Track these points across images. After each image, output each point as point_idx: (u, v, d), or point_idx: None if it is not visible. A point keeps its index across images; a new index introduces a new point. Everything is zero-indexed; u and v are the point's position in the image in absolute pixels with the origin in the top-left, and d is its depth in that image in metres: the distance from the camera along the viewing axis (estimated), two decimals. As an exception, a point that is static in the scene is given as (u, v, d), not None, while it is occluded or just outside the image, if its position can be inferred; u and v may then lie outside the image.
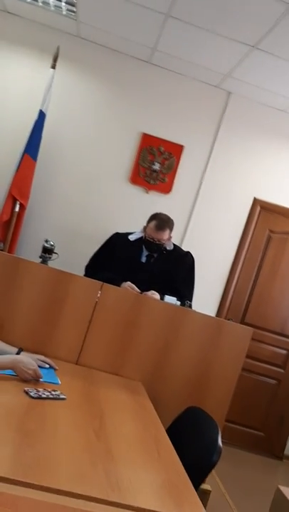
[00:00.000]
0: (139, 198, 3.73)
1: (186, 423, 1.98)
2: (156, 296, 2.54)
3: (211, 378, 2.37)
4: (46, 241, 2.59)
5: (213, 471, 2.20)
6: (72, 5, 3.17)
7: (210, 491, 2.33)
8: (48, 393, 1.73)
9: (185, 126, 3.73)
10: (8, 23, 3.56)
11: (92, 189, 3.70)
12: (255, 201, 3.83)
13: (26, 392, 1.68)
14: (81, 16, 3.28)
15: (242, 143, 3.78)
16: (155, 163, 3.71)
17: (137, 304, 2.34)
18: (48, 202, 3.66)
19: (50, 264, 2.59)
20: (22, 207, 3.38)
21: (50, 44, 3.44)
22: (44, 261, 2.58)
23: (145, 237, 2.80)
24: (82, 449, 1.42)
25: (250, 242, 3.85)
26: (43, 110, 3.37)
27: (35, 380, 1.79)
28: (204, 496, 2.18)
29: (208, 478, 1.89)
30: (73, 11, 3.25)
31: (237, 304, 3.88)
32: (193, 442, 1.84)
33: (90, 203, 3.70)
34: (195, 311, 2.47)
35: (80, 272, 2.64)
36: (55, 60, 3.38)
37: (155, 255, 2.84)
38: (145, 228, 2.83)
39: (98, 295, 2.29)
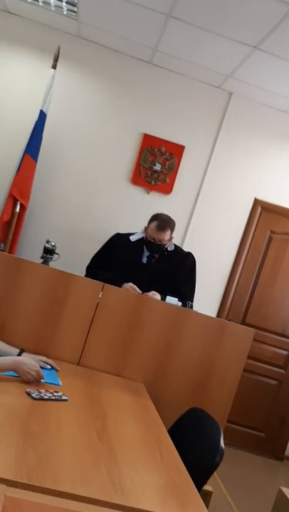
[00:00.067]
0: (140, 198, 3.72)
1: (188, 424, 1.97)
2: (157, 296, 2.54)
3: (213, 379, 2.37)
4: (47, 241, 2.58)
5: (214, 472, 2.20)
6: (73, 5, 3.17)
7: (212, 492, 2.33)
8: (50, 394, 1.72)
9: (186, 127, 3.73)
10: (9, 22, 3.56)
11: (93, 190, 3.70)
12: (256, 202, 3.83)
13: (28, 394, 1.67)
14: (82, 16, 3.27)
15: (243, 143, 3.78)
16: (156, 164, 3.70)
17: (139, 305, 2.34)
18: (48, 202, 3.65)
19: (51, 264, 2.59)
20: (23, 207, 3.37)
21: (51, 44, 3.43)
22: (45, 261, 2.57)
23: (146, 237, 2.80)
24: (84, 451, 1.41)
25: (250, 243, 3.84)
26: (44, 110, 3.36)
27: (36, 381, 1.79)
28: (206, 497, 2.18)
29: (210, 479, 1.89)
30: (74, 11, 3.25)
31: (238, 304, 3.87)
32: (195, 444, 1.83)
33: (90, 204, 3.69)
34: (197, 312, 2.47)
35: (81, 272, 2.63)
36: (55, 60, 3.37)
37: (156, 256, 2.83)
38: (146, 229, 2.82)
39: (100, 296, 2.29)
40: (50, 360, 2.06)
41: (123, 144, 3.70)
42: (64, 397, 1.74)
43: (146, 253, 2.83)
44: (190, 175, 3.76)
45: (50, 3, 3.25)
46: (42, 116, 3.36)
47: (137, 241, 2.85)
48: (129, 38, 3.38)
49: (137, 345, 2.32)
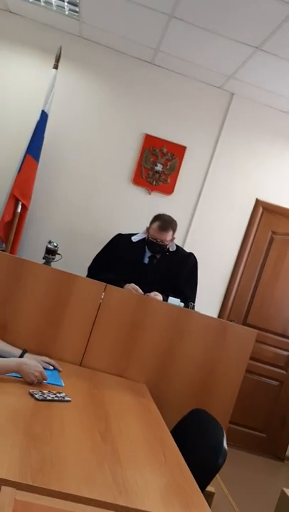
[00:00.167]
0: (142, 199, 3.72)
1: (190, 425, 1.97)
2: (159, 297, 2.54)
3: (215, 380, 2.36)
4: (50, 242, 2.58)
5: (216, 473, 2.20)
6: (75, 5, 3.17)
7: (214, 493, 2.33)
8: (53, 395, 1.72)
9: (188, 127, 3.73)
10: (10, 22, 3.55)
11: (95, 190, 3.69)
12: (258, 202, 3.83)
13: (31, 395, 1.67)
14: (84, 16, 3.27)
15: (244, 144, 3.78)
16: (158, 164, 3.70)
17: (141, 306, 2.33)
18: (49, 203, 3.65)
19: (53, 265, 2.59)
20: (24, 207, 3.37)
21: (53, 44, 3.43)
22: (47, 262, 2.57)
23: (148, 237, 2.80)
24: (88, 452, 1.41)
25: (252, 244, 3.84)
26: (45, 111, 3.36)
27: (39, 382, 1.79)
28: (208, 498, 2.17)
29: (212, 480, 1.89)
30: (76, 11, 3.24)
31: (239, 305, 3.87)
32: (198, 445, 1.83)
33: (91, 204, 3.69)
34: (199, 313, 2.47)
35: (82, 272, 2.62)
36: (57, 60, 3.37)
37: (158, 256, 2.83)
38: (148, 229, 2.82)
39: (102, 296, 2.28)
40: (52, 361, 2.06)
41: (124, 144, 3.69)
42: (67, 398, 1.74)
43: (147, 253, 2.83)
44: (191, 175, 3.76)
45: (51, 3, 3.24)
46: (43, 116, 3.35)
47: (138, 241, 2.86)
48: (131, 38, 3.37)
49: (139, 346, 2.32)
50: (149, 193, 3.74)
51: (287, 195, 3.86)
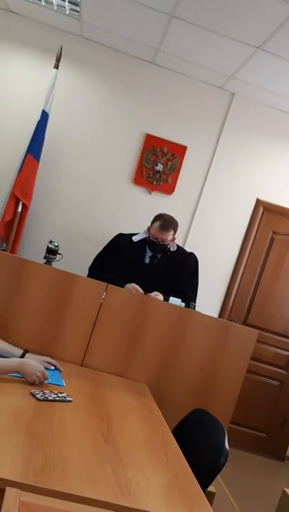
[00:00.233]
0: (142, 198, 3.72)
1: (192, 425, 1.97)
2: (160, 297, 2.54)
3: (217, 380, 2.36)
4: (50, 242, 2.58)
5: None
6: (76, 4, 3.16)
7: (214, 493, 2.33)
8: (55, 395, 1.72)
9: (188, 127, 3.73)
10: (11, 22, 3.55)
11: (95, 190, 3.69)
12: (258, 202, 3.83)
13: (33, 395, 1.67)
14: (84, 16, 3.26)
15: (245, 144, 3.78)
16: (158, 164, 3.70)
17: (142, 306, 2.33)
18: (50, 202, 3.64)
19: (54, 264, 2.58)
20: (24, 207, 3.36)
21: (53, 44, 3.43)
22: (48, 262, 2.57)
23: (149, 237, 2.79)
24: (90, 452, 1.41)
25: (252, 244, 3.84)
26: (46, 110, 3.35)
27: (41, 382, 1.78)
28: (209, 498, 2.17)
29: (212, 480, 1.89)
30: (77, 11, 3.24)
31: (240, 305, 3.87)
32: (199, 445, 1.83)
33: (92, 204, 3.69)
34: (200, 313, 2.47)
35: (82, 272, 2.62)
36: (58, 60, 3.36)
37: (159, 256, 2.83)
38: (149, 229, 2.82)
39: (103, 296, 2.28)
40: (53, 361, 2.06)
41: (125, 144, 3.69)
42: (68, 398, 1.74)
43: (148, 253, 2.83)
44: (192, 175, 3.76)
45: (52, 3, 3.24)
46: (44, 116, 3.35)
47: (139, 241, 2.85)
48: (132, 38, 3.37)
49: (141, 346, 2.32)
50: (150, 193, 3.73)
51: (287, 195, 3.86)
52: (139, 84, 3.68)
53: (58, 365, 2.06)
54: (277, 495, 2.52)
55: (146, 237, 2.83)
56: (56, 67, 3.37)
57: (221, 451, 1.70)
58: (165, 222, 2.76)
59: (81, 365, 2.27)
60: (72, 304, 2.25)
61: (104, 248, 2.95)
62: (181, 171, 3.73)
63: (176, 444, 1.70)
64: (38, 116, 3.34)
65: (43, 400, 1.65)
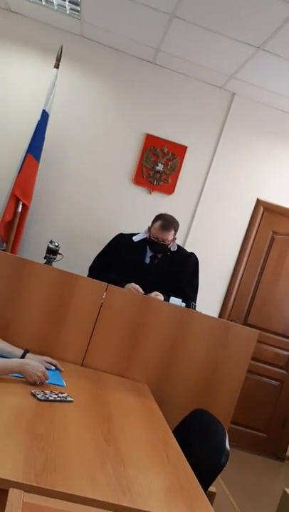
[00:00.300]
0: (142, 198, 3.72)
1: (192, 425, 1.97)
2: (160, 297, 2.53)
3: (217, 380, 2.36)
4: (51, 242, 2.57)
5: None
6: (76, 4, 3.16)
7: (215, 493, 2.33)
8: (56, 395, 1.72)
9: (189, 127, 3.72)
10: (11, 22, 3.54)
11: (95, 190, 3.69)
12: (259, 202, 3.83)
13: (33, 395, 1.67)
14: (85, 16, 3.26)
15: (246, 144, 3.78)
16: (158, 164, 3.70)
17: (143, 306, 2.33)
18: (50, 202, 3.64)
19: (54, 265, 2.58)
20: (25, 207, 3.36)
21: (54, 43, 3.42)
22: (48, 262, 2.56)
23: (149, 236, 2.79)
24: (92, 452, 1.41)
25: (253, 244, 3.84)
26: (46, 110, 3.35)
27: (42, 382, 1.78)
28: (210, 499, 2.17)
29: (212, 480, 1.89)
30: (77, 11, 3.24)
31: (240, 305, 3.87)
32: (200, 445, 1.83)
33: (92, 204, 3.68)
34: (201, 313, 2.46)
35: (83, 272, 2.62)
36: (58, 59, 3.36)
37: (159, 256, 2.83)
38: (150, 228, 2.82)
39: (103, 296, 2.28)
40: (54, 361, 2.06)
41: (125, 144, 3.69)
42: (69, 399, 1.74)
43: (149, 253, 2.83)
44: (192, 175, 3.75)
45: (52, 3, 3.23)
46: (44, 116, 3.35)
47: (140, 241, 2.85)
48: (132, 37, 3.37)
49: (141, 346, 2.31)
50: (150, 193, 3.73)
51: (288, 195, 3.86)
52: (140, 84, 3.67)
53: (59, 365, 2.06)
54: (277, 495, 2.52)
55: (146, 237, 2.83)
56: (56, 66, 3.36)
57: (222, 451, 1.70)
58: (166, 222, 2.76)
59: (81, 365, 2.27)
60: (72, 304, 2.25)
61: (104, 248, 2.95)
62: (181, 171, 3.73)
63: (177, 445, 1.70)
64: (38, 116, 3.33)
65: (44, 400, 1.65)
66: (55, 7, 3.28)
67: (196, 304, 2.68)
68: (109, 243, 2.96)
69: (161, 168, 3.70)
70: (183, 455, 1.62)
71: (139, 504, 1.22)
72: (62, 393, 1.75)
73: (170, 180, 3.73)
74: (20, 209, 3.33)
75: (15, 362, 1.79)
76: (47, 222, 3.62)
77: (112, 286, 2.30)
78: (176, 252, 2.88)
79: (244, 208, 3.82)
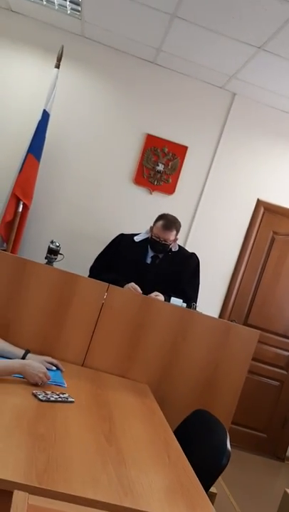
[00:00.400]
0: (143, 198, 3.72)
1: (193, 426, 1.97)
2: (160, 297, 2.53)
3: (218, 381, 2.36)
4: (52, 242, 2.57)
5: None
6: (77, 4, 3.15)
7: (216, 494, 2.33)
8: (57, 396, 1.72)
9: (189, 127, 3.72)
10: (12, 21, 3.54)
11: (96, 190, 3.69)
12: (259, 202, 3.83)
13: (35, 395, 1.67)
14: (86, 16, 3.26)
15: (246, 144, 3.78)
16: (159, 164, 3.70)
17: (144, 306, 2.33)
18: (51, 202, 3.64)
19: (54, 265, 2.58)
20: (25, 207, 3.36)
21: (55, 43, 3.42)
22: (49, 262, 2.56)
23: (151, 236, 2.80)
24: (93, 453, 1.41)
25: (253, 244, 3.84)
26: (47, 110, 3.35)
27: (43, 383, 1.78)
28: (211, 499, 2.17)
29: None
30: (78, 10, 3.23)
31: (240, 305, 3.87)
32: (201, 445, 1.83)
33: (92, 204, 3.68)
34: (202, 314, 2.46)
35: (84, 273, 2.62)
36: (59, 59, 3.36)
37: (160, 256, 2.83)
38: (152, 228, 2.82)
39: (104, 296, 2.28)
40: (55, 361, 2.06)
41: (126, 144, 3.69)
42: (70, 399, 1.74)
43: (150, 253, 2.83)
44: (193, 175, 3.75)
45: (53, 2, 3.23)
46: (45, 115, 3.34)
47: (141, 241, 2.85)
48: (133, 37, 3.37)
49: (142, 347, 2.31)
50: (151, 193, 3.73)
51: (288, 195, 3.86)
52: (140, 84, 3.67)
53: (60, 365, 2.05)
54: (277, 495, 2.52)
55: (147, 238, 2.83)
56: (57, 66, 3.36)
57: (223, 451, 1.70)
58: (168, 221, 2.76)
59: (82, 366, 2.26)
60: (73, 304, 2.25)
61: (105, 248, 2.95)
62: (181, 171, 3.73)
63: (178, 445, 1.70)
64: (39, 116, 3.33)
65: (45, 401, 1.65)
66: (56, 7, 3.27)
67: (197, 304, 2.68)
68: (110, 243, 2.96)
69: (161, 168, 3.70)
70: (184, 455, 1.62)
71: (140, 505, 1.22)
72: (63, 394, 1.75)
73: (170, 180, 3.72)
74: (20, 209, 3.33)
75: (16, 363, 1.79)
76: (47, 222, 3.62)
77: (113, 287, 2.30)
78: (177, 252, 2.88)
79: (244, 208, 3.82)
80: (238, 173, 3.79)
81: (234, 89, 3.68)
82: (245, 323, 3.77)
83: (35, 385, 1.75)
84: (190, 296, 2.71)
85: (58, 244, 2.57)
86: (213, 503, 2.30)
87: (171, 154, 3.71)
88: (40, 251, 2.85)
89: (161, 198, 3.72)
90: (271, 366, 3.90)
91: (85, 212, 3.67)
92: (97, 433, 1.55)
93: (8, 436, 1.33)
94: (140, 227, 3.02)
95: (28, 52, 3.56)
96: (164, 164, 3.70)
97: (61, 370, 2.04)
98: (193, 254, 2.94)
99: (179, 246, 2.93)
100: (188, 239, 3.72)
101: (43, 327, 2.23)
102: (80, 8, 3.19)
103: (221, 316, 3.82)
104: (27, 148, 3.32)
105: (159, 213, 2.89)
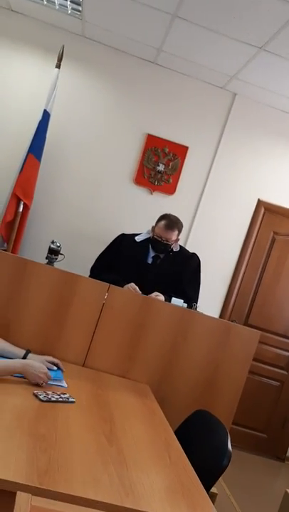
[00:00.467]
0: (143, 198, 3.72)
1: (194, 426, 1.97)
2: (161, 297, 2.53)
3: (219, 381, 2.36)
4: (52, 242, 2.57)
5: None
6: (78, 4, 3.15)
7: (216, 494, 2.33)
8: (58, 396, 1.71)
9: (190, 128, 3.72)
10: (13, 21, 3.54)
11: (96, 190, 3.68)
12: (260, 203, 3.82)
13: (36, 396, 1.67)
14: (86, 16, 3.26)
15: (247, 144, 3.77)
16: (160, 164, 3.69)
17: (145, 306, 2.33)
18: (51, 202, 3.64)
19: (55, 265, 2.58)
20: (26, 207, 3.36)
21: (55, 43, 3.42)
22: (50, 262, 2.56)
23: (153, 235, 2.80)
24: (94, 453, 1.41)
25: (254, 244, 3.84)
26: (48, 110, 3.35)
27: (44, 383, 1.78)
28: (211, 499, 2.17)
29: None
30: (78, 10, 3.23)
31: (240, 305, 3.87)
32: (202, 446, 1.83)
33: (93, 204, 3.68)
34: (202, 314, 2.46)
35: (84, 273, 2.62)
36: (59, 59, 3.36)
37: (161, 256, 2.83)
38: (153, 228, 2.82)
39: (105, 297, 2.28)
40: (56, 360, 2.05)
41: (126, 144, 3.69)
42: (71, 399, 1.74)
43: (151, 253, 2.83)
44: (193, 175, 3.75)
45: (54, 2, 3.23)
46: (45, 115, 3.34)
47: (142, 241, 2.86)
48: (134, 37, 3.36)
49: (143, 347, 2.31)
50: (151, 193, 3.73)
51: (289, 195, 3.86)
52: (141, 84, 3.67)
53: (61, 364, 2.05)
54: (277, 495, 2.52)
55: (149, 238, 2.84)
56: (58, 66, 3.36)
57: (224, 452, 1.70)
58: (170, 221, 2.77)
59: (83, 366, 2.26)
60: (74, 305, 2.25)
61: (106, 248, 2.95)
62: (182, 171, 3.73)
63: (179, 445, 1.70)
64: (39, 116, 3.33)
65: (46, 401, 1.65)
66: (57, 7, 3.27)
67: (198, 304, 2.68)
68: (111, 243, 2.96)
69: (162, 169, 3.70)
70: (185, 455, 1.62)
71: (141, 505, 1.21)
72: (64, 394, 1.75)
73: (171, 180, 3.72)
74: (21, 209, 3.33)
75: (17, 363, 1.79)
76: (48, 222, 3.62)
77: (113, 287, 2.30)
78: (179, 252, 2.88)
79: (245, 209, 3.82)
80: (239, 174, 3.79)
81: (235, 89, 3.68)
82: (246, 324, 3.77)
83: (36, 385, 1.75)
84: (191, 296, 2.71)
85: (58, 245, 2.57)
86: (213, 504, 2.30)
87: (171, 154, 3.71)
88: (40, 251, 2.85)
89: (162, 198, 3.72)
90: (271, 366, 3.90)
91: (86, 212, 3.67)
92: (98, 433, 1.55)
93: (9, 436, 1.32)
94: (141, 227, 3.02)
95: (28, 52, 3.56)
96: (164, 164, 3.70)
97: (62, 370, 2.04)
98: (194, 255, 2.94)
99: (180, 246, 2.93)
100: (189, 239, 3.72)
101: (44, 327, 2.23)
102: (80, 8, 3.19)
103: (221, 316, 3.82)
104: (27, 148, 3.32)
105: (160, 213, 2.89)
